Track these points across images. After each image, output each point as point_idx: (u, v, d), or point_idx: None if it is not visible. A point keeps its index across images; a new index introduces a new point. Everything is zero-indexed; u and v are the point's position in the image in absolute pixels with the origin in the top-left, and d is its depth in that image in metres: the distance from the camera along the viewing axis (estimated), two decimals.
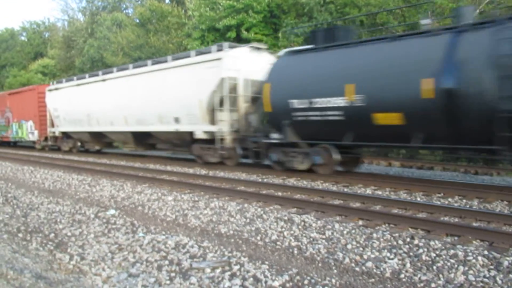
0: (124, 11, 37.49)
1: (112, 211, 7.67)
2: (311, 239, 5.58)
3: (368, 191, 8.67)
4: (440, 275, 4.30)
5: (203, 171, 12.29)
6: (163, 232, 6.24)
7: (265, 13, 20.41)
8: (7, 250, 5.68)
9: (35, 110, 22.41)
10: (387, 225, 6.10)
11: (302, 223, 6.26)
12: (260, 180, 10.40)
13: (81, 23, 38.56)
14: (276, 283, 4.31)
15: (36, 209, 8.27)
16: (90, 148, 20.38)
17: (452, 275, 4.28)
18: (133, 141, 16.19)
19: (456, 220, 6.26)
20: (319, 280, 4.36)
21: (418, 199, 7.81)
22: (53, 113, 20.84)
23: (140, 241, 5.87)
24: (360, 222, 6.25)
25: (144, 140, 15.89)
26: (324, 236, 5.65)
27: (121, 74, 16.14)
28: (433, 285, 4.13)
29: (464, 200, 7.52)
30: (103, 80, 16.99)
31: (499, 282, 4.09)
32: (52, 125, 21.29)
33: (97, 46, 30.64)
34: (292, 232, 5.90)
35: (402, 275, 4.37)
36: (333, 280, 4.34)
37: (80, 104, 18.33)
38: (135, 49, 26.79)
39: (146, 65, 15.10)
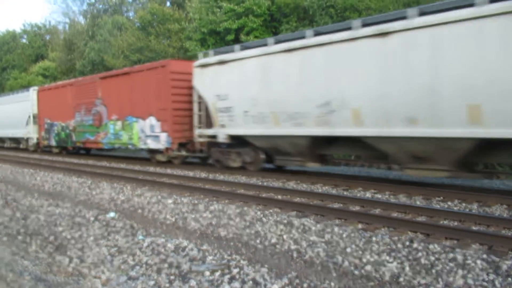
0: (125, 14, 37.62)
1: (112, 214, 7.67)
2: (311, 242, 5.59)
3: (368, 194, 8.67)
4: (439, 279, 4.30)
5: (203, 174, 12.29)
6: (163, 235, 6.25)
7: (265, 17, 20.49)
8: (7, 252, 5.68)
9: (166, 101, 13.76)
10: (386, 228, 6.11)
11: (302, 226, 6.27)
12: (259, 183, 10.40)
13: (82, 26, 38.66)
14: (275, 286, 4.31)
15: (36, 212, 8.27)
16: (303, 166, 11.08)
17: (451, 279, 4.28)
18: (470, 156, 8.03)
19: (456, 223, 6.27)
20: (318, 283, 4.37)
21: (418, 202, 7.82)
22: (214, 104, 11.89)
23: (139, 244, 5.87)
24: (360, 226, 6.26)
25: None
26: (323, 240, 5.66)
27: (458, 15, 7.38)
28: None
29: (464, 204, 7.53)
30: (382, 34, 8.32)
31: (498, 285, 4.10)
32: (209, 123, 12.33)
33: (98, 49, 30.71)
34: (291, 235, 5.91)
35: (401, 279, 4.38)
36: (332, 284, 4.35)
37: (298, 86, 9.79)
38: (135, 52, 26.84)
39: None
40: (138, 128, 15.02)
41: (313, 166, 10.87)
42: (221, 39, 21.32)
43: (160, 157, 14.61)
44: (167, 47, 26.04)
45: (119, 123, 16.05)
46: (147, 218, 7.38)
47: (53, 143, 21.10)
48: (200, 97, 12.48)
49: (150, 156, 15.29)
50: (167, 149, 13.94)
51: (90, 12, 39.85)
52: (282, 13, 20.34)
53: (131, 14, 38.01)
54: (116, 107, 16.18)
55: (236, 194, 8.70)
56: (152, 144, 14.46)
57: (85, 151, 21.66)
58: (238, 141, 11.77)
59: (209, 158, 13.57)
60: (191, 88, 13.00)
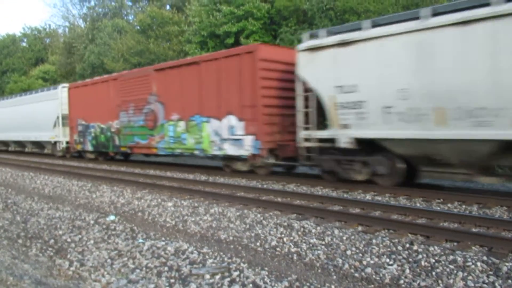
0: (125, 18, 37.71)
1: (112, 217, 7.67)
2: (311, 245, 5.59)
3: (368, 197, 8.68)
4: (439, 281, 4.30)
5: (203, 177, 12.29)
6: (163, 238, 6.25)
7: (265, 20, 20.56)
8: (7, 256, 5.68)
9: (253, 96, 11.09)
10: (386, 231, 6.11)
11: (302, 229, 6.27)
12: (259, 186, 10.40)
13: (82, 29, 38.76)
14: None
15: (36, 215, 8.27)
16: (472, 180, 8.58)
17: (451, 281, 4.28)
18: None
19: (456, 225, 6.27)
20: (319, 286, 4.37)
21: (418, 205, 7.82)
22: (332, 98, 9.13)
23: (139, 247, 5.87)
24: (360, 228, 6.26)
25: None
26: (323, 242, 5.66)
27: None
28: None
29: (464, 206, 7.53)
30: None
31: (498, 287, 4.10)
32: (322, 123, 9.87)
33: (98, 52, 30.78)
34: (291, 238, 5.91)
35: (401, 281, 4.38)
36: (333, 286, 4.35)
37: (485, 72, 7.11)
38: (135, 55, 26.89)
39: None
40: (209, 130, 12.26)
41: (488, 182, 8.14)
42: (221, 42, 21.39)
43: (240, 166, 11.98)
44: (167, 50, 26.12)
45: (181, 124, 13.21)
46: (147, 221, 7.38)
47: (89, 147, 18.10)
48: (308, 89, 9.64)
49: (224, 164, 12.57)
50: (253, 155, 11.19)
51: (90, 15, 39.97)
52: (281, 16, 20.40)
53: (130, 17, 38.15)
54: (177, 104, 13.31)
55: (236, 197, 8.70)
56: (231, 150, 11.64)
57: (124, 157, 18.73)
58: (365, 147, 9.02)
59: (294, 168, 11.75)
60: (284, 80, 11.00)
